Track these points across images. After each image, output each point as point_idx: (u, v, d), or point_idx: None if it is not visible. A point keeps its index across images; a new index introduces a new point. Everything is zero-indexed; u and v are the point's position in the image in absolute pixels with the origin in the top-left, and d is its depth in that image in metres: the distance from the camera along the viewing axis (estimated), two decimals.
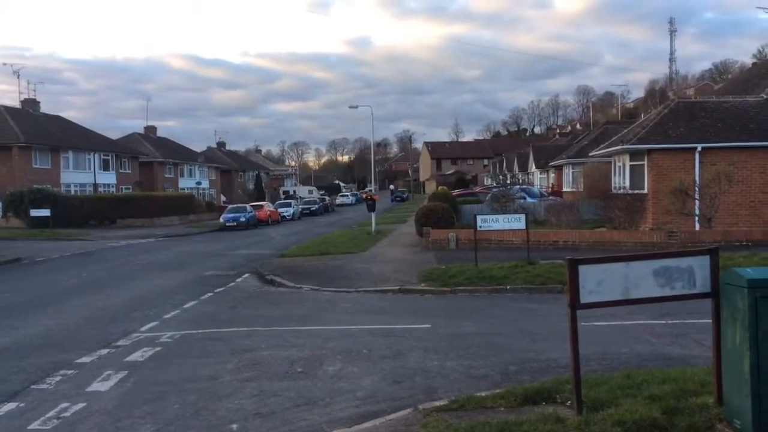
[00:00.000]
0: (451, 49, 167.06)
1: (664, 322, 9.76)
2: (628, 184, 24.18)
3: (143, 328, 10.58)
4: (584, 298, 5.13)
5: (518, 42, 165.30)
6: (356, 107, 46.60)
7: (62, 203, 39.89)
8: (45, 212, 35.68)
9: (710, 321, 5.25)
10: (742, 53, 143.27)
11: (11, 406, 6.74)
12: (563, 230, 21.05)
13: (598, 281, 5.19)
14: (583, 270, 5.14)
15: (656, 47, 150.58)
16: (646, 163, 23.30)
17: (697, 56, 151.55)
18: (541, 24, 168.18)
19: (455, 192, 50.95)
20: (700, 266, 5.28)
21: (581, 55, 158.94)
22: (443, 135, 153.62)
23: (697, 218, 20.61)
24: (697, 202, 19.88)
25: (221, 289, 15.13)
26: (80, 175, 50.29)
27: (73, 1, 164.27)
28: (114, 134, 67.05)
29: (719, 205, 19.49)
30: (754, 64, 45.41)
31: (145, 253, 25.21)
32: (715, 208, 19.36)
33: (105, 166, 53.48)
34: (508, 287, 13.58)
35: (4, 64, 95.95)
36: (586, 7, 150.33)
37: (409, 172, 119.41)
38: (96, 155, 52.22)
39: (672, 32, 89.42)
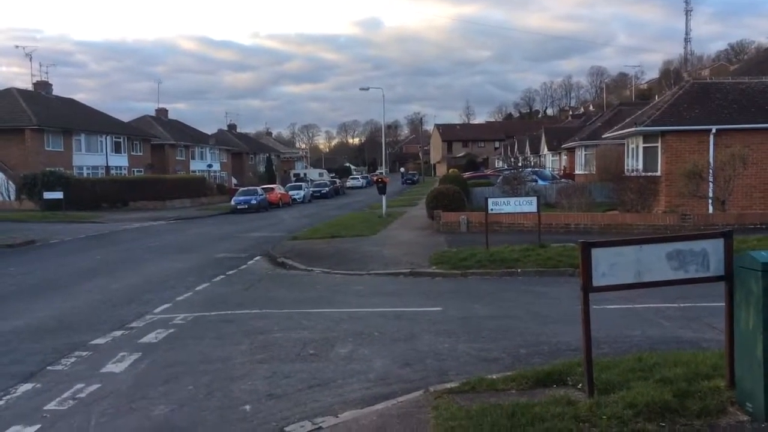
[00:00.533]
0: (461, 30, 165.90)
1: (676, 305, 9.72)
2: (641, 166, 23.99)
3: (156, 310, 10.67)
4: (597, 281, 5.12)
5: (529, 22, 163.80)
6: (367, 89, 46.34)
7: (75, 186, 40.15)
8: (58, 195, 35.93)
9: (723, 304, 5.23)
10: (758, 33, 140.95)
11: (27, 386, 6.84)
12: (575, 213, 20.95)
13: (611, 264, 5.17)
14: (596, 253, 5.12)
15: (670, 27, 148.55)
16: (659, 145, 23.11)
17: (713, 36, 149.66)
18: (552, 4, 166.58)
19: (466, 174, 50.80)
20: (713, 249, 5.25)
21: (594, 35, 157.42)
22: (454, 117, 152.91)
23: (710, 201, 20.45)
24: (710, 184, 19.71)
25: (233, 271, 15.21)
26: (92, 158, 50.54)
27: None
28: (125, 116, 67.39)
29: (733, 187, 19.31)
30: None
31: (157, 236, 25.36)
32: (729, 190, 19.18)
33: (117, 149, 53.70)
34: (519, 270, 13.57)
35: (17, 46, 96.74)
36: None
37: (420, 154, 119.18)
38: (108, 138, 52.42)
39: (687, 12, 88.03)
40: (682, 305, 9.69)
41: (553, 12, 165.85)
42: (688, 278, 5.31)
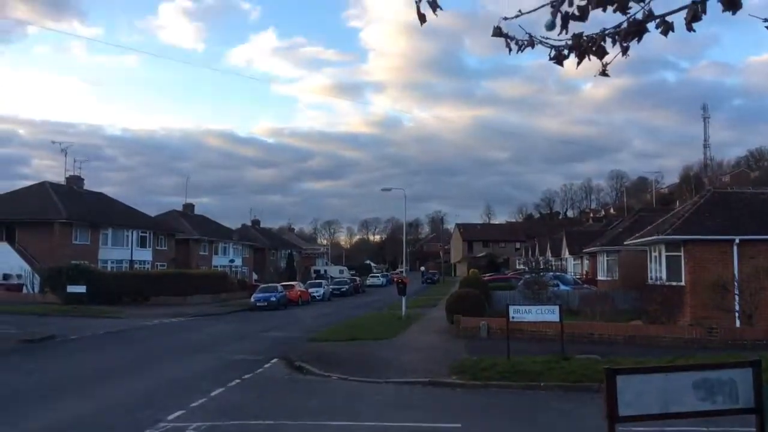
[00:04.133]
0: (479, 132, 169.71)
1: (705, 429, 9.32)
2: (664, 275, 23.74)
3: (171, 417, 10.48)
4: (623, 411, 4.96)
5: (546, 125, 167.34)
6: (389, 190, 47.08)
7: (98, 279, 40.56)
8: (81, 288, 36.26)
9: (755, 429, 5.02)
10: None
11: None
12: (598, 322, 20.59)
13: (637, 393, 5.03)
14: (622, 380, 5.00)
15: (687, 133, 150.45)
16: (682, 254, 22.93)
17: (730, 142, 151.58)
18: (568, 108, 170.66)
19: (486, 276, 50.53)
20: (742, 379, 5.10)
21: (610, 139, 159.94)
22: (474, 216, 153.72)
23: (737, 314, 20.02)
24: (736, 297, 19.37)
25: (249, 375, 15.00)
26: (118, 252, 51.35)
27: (114, 82, 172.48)
28: (152, 209, 68.83)
29: (760, 300, 18.95)
30: None
31: (175, 334, 25.28)
32: (756, 304, 18.82)
33: (142, 243, 54.59)
34: (542, 384, 13.21)
35: (53, 142, 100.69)
36: (612, 93, 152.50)
37: (441, 253, 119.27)
38: (134, 232, 53.45)
39: (705, 119, 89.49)
40: (713, 429, 9.29)
41: (568, 116, 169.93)
42: (717, 410, 5.13)
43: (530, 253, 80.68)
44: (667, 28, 3.47)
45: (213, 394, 12.65)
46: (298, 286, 48.93)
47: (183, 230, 62.34)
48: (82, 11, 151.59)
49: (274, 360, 17.49)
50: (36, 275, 43.32)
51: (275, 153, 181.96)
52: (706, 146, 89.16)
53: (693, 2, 3.31)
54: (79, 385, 13.77)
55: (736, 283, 19.21)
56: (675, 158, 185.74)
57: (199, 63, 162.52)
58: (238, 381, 14.19)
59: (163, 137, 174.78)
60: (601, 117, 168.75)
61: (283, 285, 46.20)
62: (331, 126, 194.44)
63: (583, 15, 3.44)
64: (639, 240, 27.13)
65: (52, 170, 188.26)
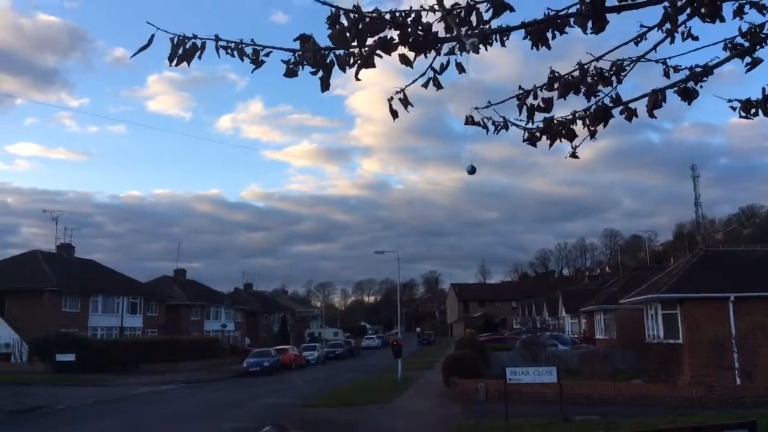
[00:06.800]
0: (467, 193, 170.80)
1: None
2: (662, 333, 23.52)
3: None
4: None
5: (534, 186, 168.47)
6: (382, 253, 47.16)
7: (87, 347, 39.82)
8: (70, 357, 35.66)
9: None
10: (763, 197, 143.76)
11: None
12: (597, 382, 20.23)
13: None
14: None
15: (676, 191, 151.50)
16: (678, 312, 22.79)
17: (718, 200, 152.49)
18: (554, 170, 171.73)
19: (483, 337, 50.01)
20: None
21: (599, 199, 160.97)
22: (468, 276, 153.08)
23: (737, 371, 19.74)
24: (735, 354, 19.14)
25: None
26: (108, 319, 50.65)
27: (102, 150, 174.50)
28: (141, 275, 68.27)
29: (758, 357, 18.72)
30: None
31: (165, 402, 24.67)
32: (754, 361, 18.58)
33: (133, 310, 53.91)
34: None
35: (44, 211, 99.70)
36: (598, 154, 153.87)
37: (436, 314, 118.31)
38: (124, 299, 52.84)
39: (695, 178, 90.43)
40: None
41: (555, 177, 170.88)
42: None
43: (527, 312, 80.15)
44: (630, 114, 3.63)
45: None
46: (292, 350, 48.20)
47: (174, 296, 61.73)
48: (70, 83, 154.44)
49: (267, 427, 16.94)
50: (24, 344, 42.56)
51: (265, 217, 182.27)
52: (697, 204, 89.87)
53: (653, 91, 3.45)
54: None
55: (733, 341, 19.03)
56: (666, 216, 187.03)
57: (187, 131, 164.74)
58: None
59: (152, 203, 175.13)
60: (588, 177, 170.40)
61: (276, 349, 45.49)
62: (321, 189, 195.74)
63: (548, 106, 3.60)
64: (635, 299, 27.01)
65: (40, 238, 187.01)
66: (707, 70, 3.55)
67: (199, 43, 3.10)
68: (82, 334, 43.65)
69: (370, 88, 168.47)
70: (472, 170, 3.77)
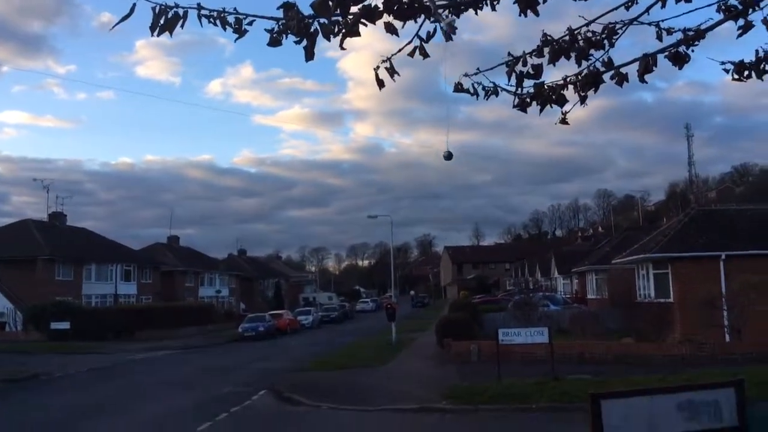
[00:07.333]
0: (460, 155, 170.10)
1: None
2: (653, 292, 23.79)
3: None
4: None
5: (528, 148, 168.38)
6: (375, 217, 47.09)
7: (82, 315, 39.99)
8: (65, 325, 35.81)
9: None
10: (756, 156, 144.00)
11: None
12: (588, 341, 20.51)
13: (623, 416, 4.99)
14: (606, 405, 4.97)
15: (670, 151, 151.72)
16: (670, 271, 23.02)
17: (712, 159, 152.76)
18: (548, 131, 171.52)
19: (476, 298, 50.45)
20: (725, 399, 5.08)
21: (593, 159, 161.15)
22: (463, 238, 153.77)
23: (726, 329, 20.03)
24: (725, 312, 19.40)
25: (237, 408, 14.72)
26: (102, 286, 50.76)
27: (91, 117, 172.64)
28: (135, 243, 68.43)
29: (748, 315, 18.99)
30: None
31: (161, 368, 24.90)
32: (744, 319, 18.85)
33: (126, 277, 54.03)
34: (533, 406, 13.09)
35: (35, 179, 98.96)
36: (592, 114, 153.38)
37: (430, 276, 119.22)
38: (118, 266, 52.92)
39: (689, 137, 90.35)
40: None
41: (549, 138, 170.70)
42: (702, 430, 5.10)
43: (520, 273, 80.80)
44: (621, 78, 3.59)
45: (200, 429, 12.40)
46: (287, 315, 48.56)
47: (168, 262, 61.81)
48: (57, 49, 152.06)
49: (263, 391, 17.20)
50: (18, 313, 42.67)
51: (258, 182, 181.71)
52: (690, 164, 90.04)
53: (644, 55, 3.40)
54: (62, 427, 13.45)
55: (724, 299, 19.26)
56: (660, 176, 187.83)
57: (177, 96, 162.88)
58: (225, 414, 13.93)
59: (143, 170, 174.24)
60: (582, 138, 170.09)
61: (271, 314, 45.82)
62: (314, 154, 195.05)
63: (537, 73, 3.55)
64: (626, 259, 27.23)
65: (31, 207, 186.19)
66: (699, 34, 3.51)
67: (181, 12, 3.03)
68: (76, 302, 43.81)
69: (361, 51, 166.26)
70: (449, 156, 3.76)
